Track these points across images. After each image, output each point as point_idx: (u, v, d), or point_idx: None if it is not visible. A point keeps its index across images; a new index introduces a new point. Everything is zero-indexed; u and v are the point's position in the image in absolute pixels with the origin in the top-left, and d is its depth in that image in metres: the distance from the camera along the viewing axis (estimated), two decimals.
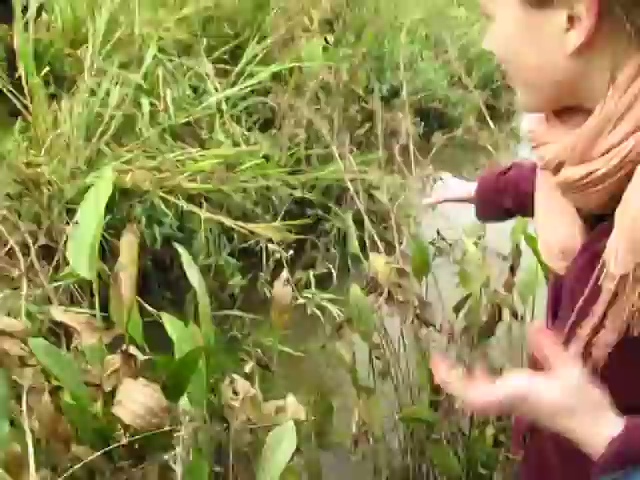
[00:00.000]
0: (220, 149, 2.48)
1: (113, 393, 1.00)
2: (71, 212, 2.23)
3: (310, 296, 2.44)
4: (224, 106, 2.64)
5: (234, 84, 2.74)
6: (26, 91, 2.28)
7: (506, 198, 0.99)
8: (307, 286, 2.58)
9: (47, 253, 2.07)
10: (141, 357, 1.07)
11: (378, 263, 1.41)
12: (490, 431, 1.25)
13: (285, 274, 1.47)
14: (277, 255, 2.62)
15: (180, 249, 1.11)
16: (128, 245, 1.06)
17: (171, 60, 2.85)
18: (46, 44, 3.00)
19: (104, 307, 1.00)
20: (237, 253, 2.59)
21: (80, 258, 0.96)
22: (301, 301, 2.36)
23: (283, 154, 2.61)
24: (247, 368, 1.50)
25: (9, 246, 1.21)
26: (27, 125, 2.48)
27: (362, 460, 1.58)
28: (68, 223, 2.19)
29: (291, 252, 2.66)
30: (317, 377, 2.06)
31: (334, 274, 2.79)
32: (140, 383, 0.95)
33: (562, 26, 0.53)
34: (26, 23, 2.27)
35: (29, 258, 1.26)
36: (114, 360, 1.06)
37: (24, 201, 2.09)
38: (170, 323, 1.17)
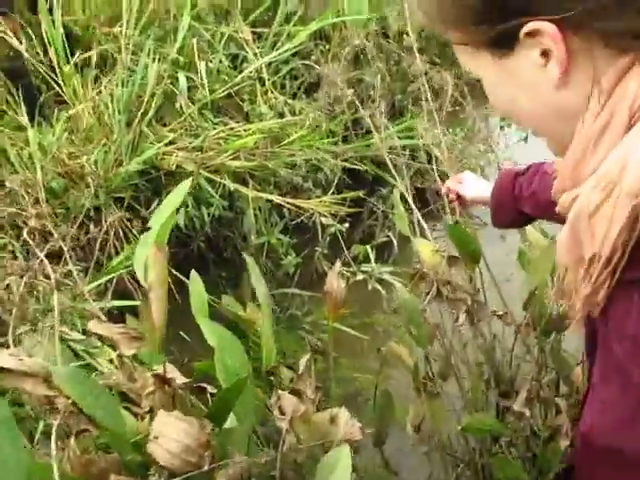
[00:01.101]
0: (263, 122, 2.33)
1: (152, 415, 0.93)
2: (117, 201, 2.19)
3: (369, 270, 2.30)
4: (265, 73, 2.47)
5: (273, 47, 2.55)
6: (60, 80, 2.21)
7: (525, 204, 0.94)
8: (366, 259, 2.44)
9: (100, 245, 2.04)
10: (179, 379, 0.98)
11: (425, 251, 1.23)
12: (564, 442, 1.06)
13: (338, 266, 1.32)
14: (332, 229, 2.49)
15: (249, 260, 1.02)
16: (157, 264, 0.95)
17: (207, 29, 2.69)
18: (83, 25, 2.92)
19: None
20: (290, 230, 2.48)
21: (142, 267, 0.91)
22: (360, 277, 2.24)
23: (330, 122, 2.42)
24: (303, 362, 1.38)
25: (41, 257, 1.14)
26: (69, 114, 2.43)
27: (428, 453, 1.46)
28: (116, 213, 2.15)
29: (346, 225, 2.52)
30: (378, 358, 1.94)
31: (395, 242, 2.63)
32: (175, 417, 0.86)
33: (538, 63, 0.50)
34: (50, 8, 2.17)
35: (61, 264, 1.19)
36: (150, 380, 0.99)
37: (70, 194, 2.05)
38: (209, 328, 1.08)
